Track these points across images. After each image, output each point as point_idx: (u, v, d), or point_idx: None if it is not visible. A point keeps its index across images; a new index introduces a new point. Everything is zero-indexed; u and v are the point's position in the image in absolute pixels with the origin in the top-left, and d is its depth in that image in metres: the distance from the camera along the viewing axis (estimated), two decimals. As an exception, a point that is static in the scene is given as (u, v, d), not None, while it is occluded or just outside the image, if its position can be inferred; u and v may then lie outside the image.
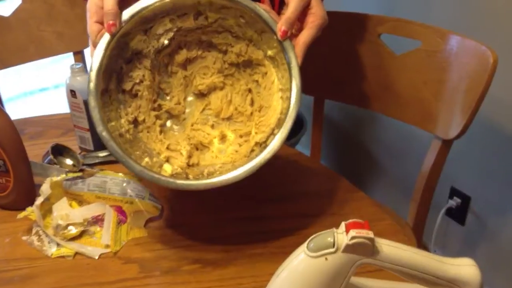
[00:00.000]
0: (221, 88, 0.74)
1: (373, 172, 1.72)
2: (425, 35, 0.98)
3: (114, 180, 0.76)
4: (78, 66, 0.82)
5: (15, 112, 1.23)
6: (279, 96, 0.69)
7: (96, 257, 0.67)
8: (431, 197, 1.05)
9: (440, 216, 1.43)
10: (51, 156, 0.80)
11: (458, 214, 1.44)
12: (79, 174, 0.77)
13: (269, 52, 0.69)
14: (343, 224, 0.47)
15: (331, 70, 1.13)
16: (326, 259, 0.46)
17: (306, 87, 1.16)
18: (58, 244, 0.68)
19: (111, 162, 0.85)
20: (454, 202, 1.43)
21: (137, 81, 0.70)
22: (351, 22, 1.08)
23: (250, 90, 0.73)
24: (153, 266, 0.66)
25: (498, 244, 1.36)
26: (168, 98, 0.73)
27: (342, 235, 0.46)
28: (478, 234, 1.42)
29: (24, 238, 0.70)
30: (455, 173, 1.38)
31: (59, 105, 2.24)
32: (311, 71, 1.15)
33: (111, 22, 0.63)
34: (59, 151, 0.83)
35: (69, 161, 0.83)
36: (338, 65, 1.12)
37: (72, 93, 0.83)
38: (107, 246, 0.68)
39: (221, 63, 0.73)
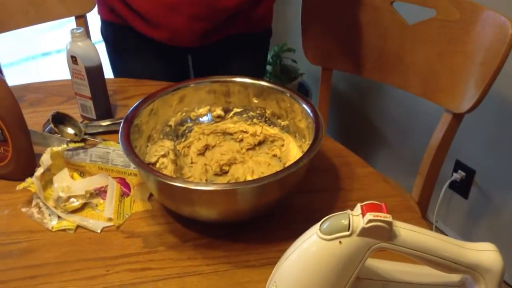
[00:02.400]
0: (242, 163, 0.75)
1: (377, 144, 1.70)
2: (440, 4, 0.93)
3: (117, 152, 0.73)
4: (79, 31, 0.78)
5: (16, 77, 1.20)
6: (299, 150, 0.73)
7: (99, 231, 0.65)
8: (438, 171, 1.03)
9: (444, 189, 1.41)
10: (51, 125, 0.78)
11: (462, 188, 1.43)
12: (81, 144, 0.75)
13: (283, 123, 0.76)
14: (358, 206, 0.45)
15: (339, 39, 1.09)
16: (340, 242, 0.44)
17: (313, 57, 1.13)
18: (59, 217, 0.67)
19: (113, 131, 0.82)
20: (459, 175, 1.41)
21: (162, 153, 0.71)
22: (362, -12, 1.03)
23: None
24: (157, 241, 0.64)
25: (501, 218, 1.35)
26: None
27: (358, 218, 0.44)
28: (482, 208, 1.41)
29: (23, 210, 0.68)
30: (461, 146, 1.36)
31: (62, 70, 2.18)
32: (318, 40, 1.11)
33: None
34: (60, 119, 0.80)
35: (70, 130, 0.80)
36: (347, 34, 1.08)
37: (73, 59, 0.79)
38: (109, 219, 0.67)
39: (238, 148, 0.77)
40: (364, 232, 0.43)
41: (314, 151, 0.62)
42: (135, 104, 0.70)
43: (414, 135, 1.52)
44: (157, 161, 0.71)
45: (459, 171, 1.41)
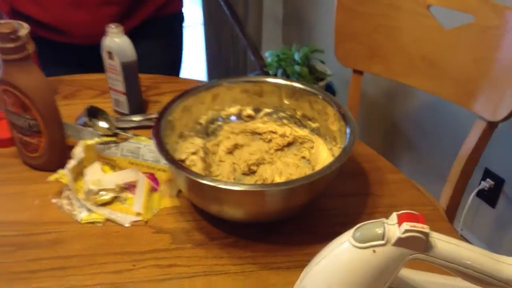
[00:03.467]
0: (271, 163, 0.75)
1: (404, 149, 1.68)
2: (479, 10, 0.91)
3: (148, 147, 0.74)
4: (116, 27, 0.79)
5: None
6: (329, 153, 0.72)
7: (127, 225, 0.66)
8: (468, 180, 1.01)
9: (471, 197, 1.39)
10: (85, 118, 0.79)
11: (490, 196, 1.40)
12: (113, 138, 0.76)
13: (313, 125, 0.75)
14: (394, 215, 0.44)
15: (373, 41, 1.08)
16: (374, 251, 0.43)
17: (344, 59, 1.12)
18: (88, 209, 0.67)
19: (145, 127, 0.83)
20: (487, 184, 1.38)
21: (192, 150, 0.72)
22: (398, -9, 1.02)
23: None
24: (185, 238, 0.64)
25: (530, 230, 1.32)
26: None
27: (393, 227, 0.43)
28: (509, 218, 1.38)
29: (54, 201, 0.69)
30: (490, 154, 1.33)
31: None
32: (351, 42, 1.10)
33: None
34: (93, 113, 0.81)
35: (103, 124, 0.81)
36: (380, 36, 1.06)
37: (109, 54, 0.80)
38: (138, 214, 0.67)
39: (266, 149, 0.77)
40: (400, 242, 0.42)
41: (347, 156, 0.61)
42: (170, 100, 0.71)
43: (443, 141, 1.49)
44: (186, 158, 0.71)
45: (488, 179, 1.38)
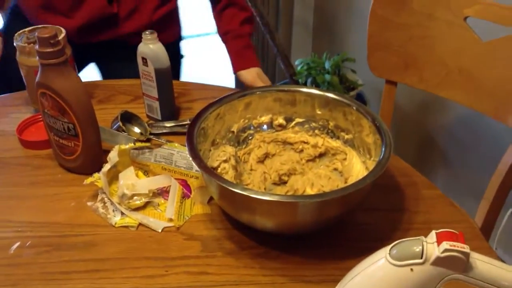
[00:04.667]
0: (302, 174, 0.74)
1: (437, 163, 1.64)
2: (518, 22, 0.89)
3: (181, 154, 0.74)
4: (151, 34, 0.80)
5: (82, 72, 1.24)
6: (362, 166, 0.71)
7: (160, 230, 0.66)
8: (505, 198, 0.98)
9: (507, 215, 1.35)
10: (120, 123, 0.80)
11: (526, 215, 1.36)
12: (147, 144, 0.77)
13: (346, 137, 0.74)
14: (433, 233, 0.43)
15: (407, 52, 1.06)
16: (411, 270, 0.42)
17: (378, 69, 1.11)
18: (122, 213, 0.68)
19: (177, 133, 0.84)
20: (523, 201, 1.34)
21: (224, 158, 0.72)
22: (434, 2, 1.00)
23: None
24: (215, 246, 0.64)
25: None
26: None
27: (432, 246, 0.42)
28: (545, 238, 1.33)
29: (89, 204, 0.71)
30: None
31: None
32: (384, 52, 1.09)
33: None
34: (127, 118, 0.82)
35: (136, 129, 0.82)
36: (415, 46, 1.05)
37: (144, 60, 0.81)
38: (170, 220, 0.68)
39: (298, 159, 0.76)
40: (439, 262, 0.41)
41: (382, 169, 0.60)
42: (203, 108, 0.71)
43: (479, 156, 1.45)
44: (218, 166, 0.71)
45: (524, 197, 1.34)
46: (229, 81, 2.30)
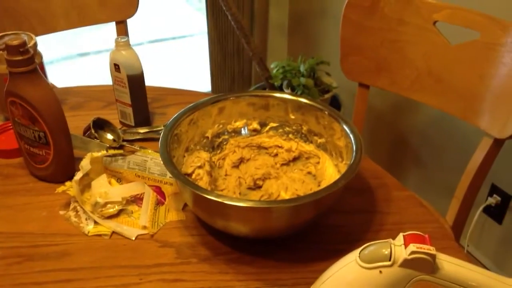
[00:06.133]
0: (276, 178, 0.75)
1: (409, 164, 1.67)
2: (484, 26, 0.91)
3: (155, 160, 0.74)
4: (123, 40, 0.79)
5: (54, 77, 1.22)
6: (335, 169, 0.72)
7: (133, 238, 0.66)
8: (475, 196, 1.00)
9: (477, 213, 1.38)
10: (92, 130, 0.79)
11: (497, 213, 1.39)
12: (120, 151, 0.76)
13: (319, 141, 0.75)
14: (401, 236, 0.44)
15: (379, 55, 1.08)
16: (380, 272, 0.43)
17: (350, 73, 1.12)
18: (95, 222, 0.68)
19: (151, 139, 0.83)
20: (494, 200, 1.38)
21: (198, 164, 0.72)
22: (404, 7, 1.02)
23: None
24: (190, 253, 0.64)
25: (536, 247, 1.31)
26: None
27: (400, 248, 0.43)
28: (515, 235, 1.37)
29: (61, 212, 0.70)
30: (497, 170, 1.32)
31: (100, 72, 2.22)
32: (357, 56, 1.10)
33: None
34: (99, 124, 0.81)
35: (109, 136, 0.82)
36: (386, 51, 1.07)
37: (116, 67, 0.81)
38: (144, 227, 0.67)
39: (272, 163, 0.77)
40: (406, 264, 0.42)
41: (354, 173, 0.61)
42: (177, 114, 0.71)
43: (450, 156, 1.49)
44: (193, 172, 0.71)
45: (495, 195, 1.37)
46: (203, 86, 2.30)
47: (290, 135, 0.78)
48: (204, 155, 0.74)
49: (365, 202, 0.72)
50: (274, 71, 1.77)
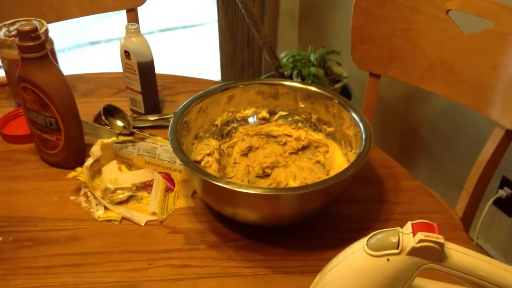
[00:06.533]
0: (285, 167, 0.75)
1: (420, 155, 1.66)
2: (498, 15, 0.90)
3: (164, 147, 0.74)
4: (133, 27, 0.79)
5: (65, 64, 1.23)
6: (344, 158, 0.72)
7: (143, 224, 0.67)
8: (485, 188, 1.00)
9: (488, 206, 1.37)
10: (102, 117, 0.80)
11: (507, 205, 1.38)
12: (130, 138, 0.76)
13: (328, 130, 0.75)
14: (409, 224, 0.44)
15: (391, 45, 1.07)
16: (388, 260, 0.43)
17: (361, 62, 1.11)
18: (105, 207, 0.68)
19: (160, 127, 0.84)
20: (504, 192, 1.37)
21: (208, 152, 0.72)
22: (417, -5, 1.01)
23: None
24: (198, 239, 0.65)
25: (546, 240, 1.30)
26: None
27: (408, 237, 0.43)
28: (526, 227, 1.36)
29: (72, 198, 0.70)
30: (508, 163, 1.31)
31: (111, 60, 2.23)
32: (368, 45, 1.09)
33: None
34: (110, 111, 0.82)
35: (119, 123, 0.82)
36: (398, 39, 1.06)
37: (126, 54, 0.81)
38: (153, 213, 0.68)
39: (281, 152, 0.77)
40: (414, 252, 0.42)
41: (362, 162, 0.61)
42: (186, 101, 0.71)
43: (460, 148, 1.47)
44: (202, 159, 0.71)
45: (505, 188, 1.36)
46: (213, 75, 2.30)
47: (299, 124, 0.77)
48: (213, 143, 0.74)
49: (373, 192, 0.72)
50: (284, 60, 1.76)
